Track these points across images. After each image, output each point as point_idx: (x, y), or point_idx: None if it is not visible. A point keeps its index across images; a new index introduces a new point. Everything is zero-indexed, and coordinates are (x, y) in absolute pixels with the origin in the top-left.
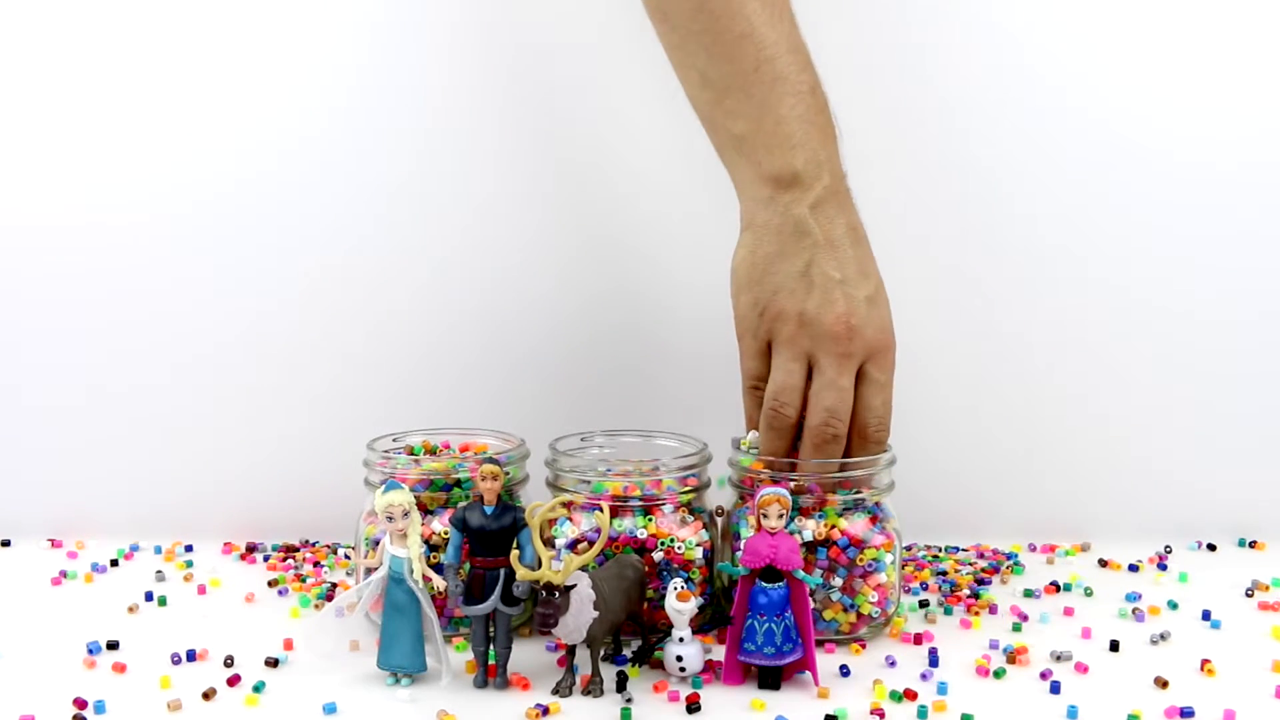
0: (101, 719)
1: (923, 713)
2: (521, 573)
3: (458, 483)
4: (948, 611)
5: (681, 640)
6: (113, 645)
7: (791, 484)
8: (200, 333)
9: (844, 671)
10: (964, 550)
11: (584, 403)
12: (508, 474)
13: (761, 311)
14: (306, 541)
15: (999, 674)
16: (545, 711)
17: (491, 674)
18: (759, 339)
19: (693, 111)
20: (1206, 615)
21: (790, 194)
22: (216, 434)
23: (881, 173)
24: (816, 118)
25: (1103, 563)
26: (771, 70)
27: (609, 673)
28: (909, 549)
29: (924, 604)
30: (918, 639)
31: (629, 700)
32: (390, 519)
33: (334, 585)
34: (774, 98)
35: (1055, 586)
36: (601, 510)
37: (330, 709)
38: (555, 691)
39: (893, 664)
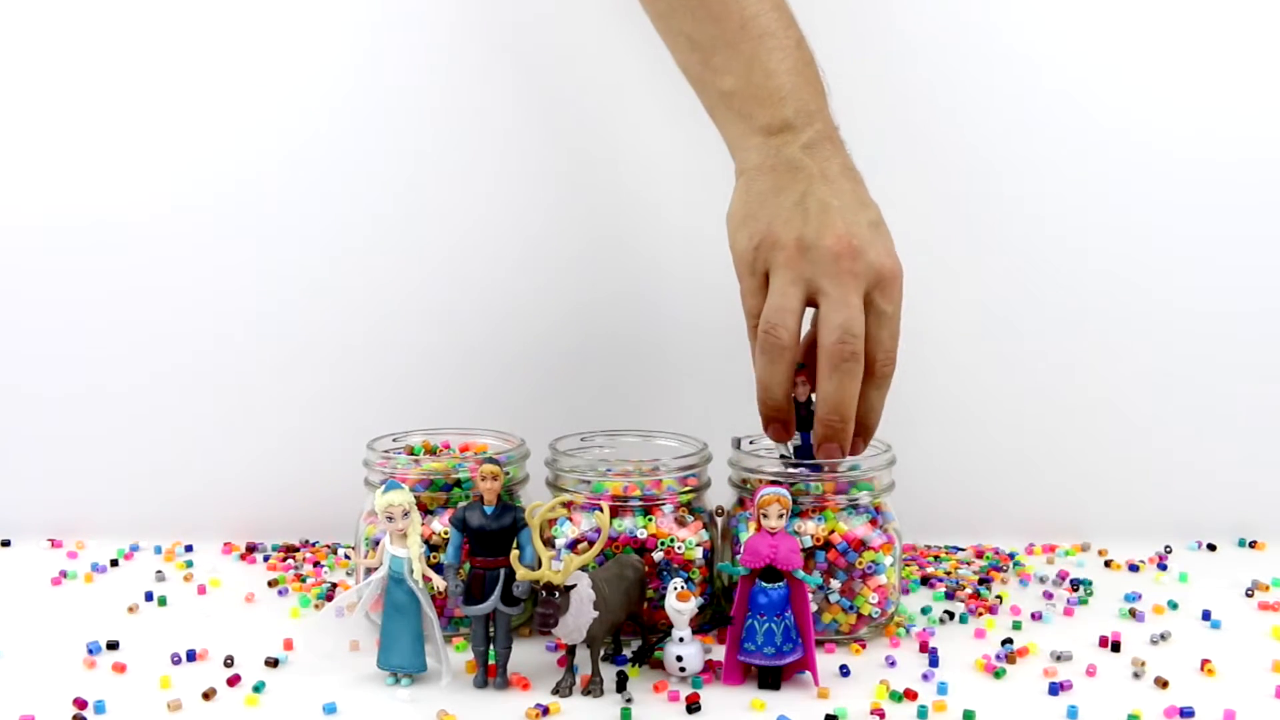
0: (101, 719)
1: (923, 713)
2: (521, 573)
3: (458, 483)
4: (963, 620)
5: (681, 640)
6: (113, 645)
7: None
8: (200, 332)
9: (844, 671)
10: (964, 550)
11: (584, 403)
12: (508, 474)
13: (757, 244)
14: (306, 541)
15: (999, 674)
16: (545, 711)
17: (491, 674)
18: (757, 274)
19: (690, 90)
20: (1206, 615)
21: (781, 137)
22: (217, 434)
23: (881, 171)
24: (805, 70)
25: (1105, 563)
26: (757, 26)
27: (609, 673)
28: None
29: (956, 611)
30: (918, 639)
31: (629, 700)
32: (390, 519)
33: (334, 585)
34: (762, 52)
35: (1056, 586)
36: (601, 510)
37: (330, 709)
38: (555, 691)
39: (893, 664)
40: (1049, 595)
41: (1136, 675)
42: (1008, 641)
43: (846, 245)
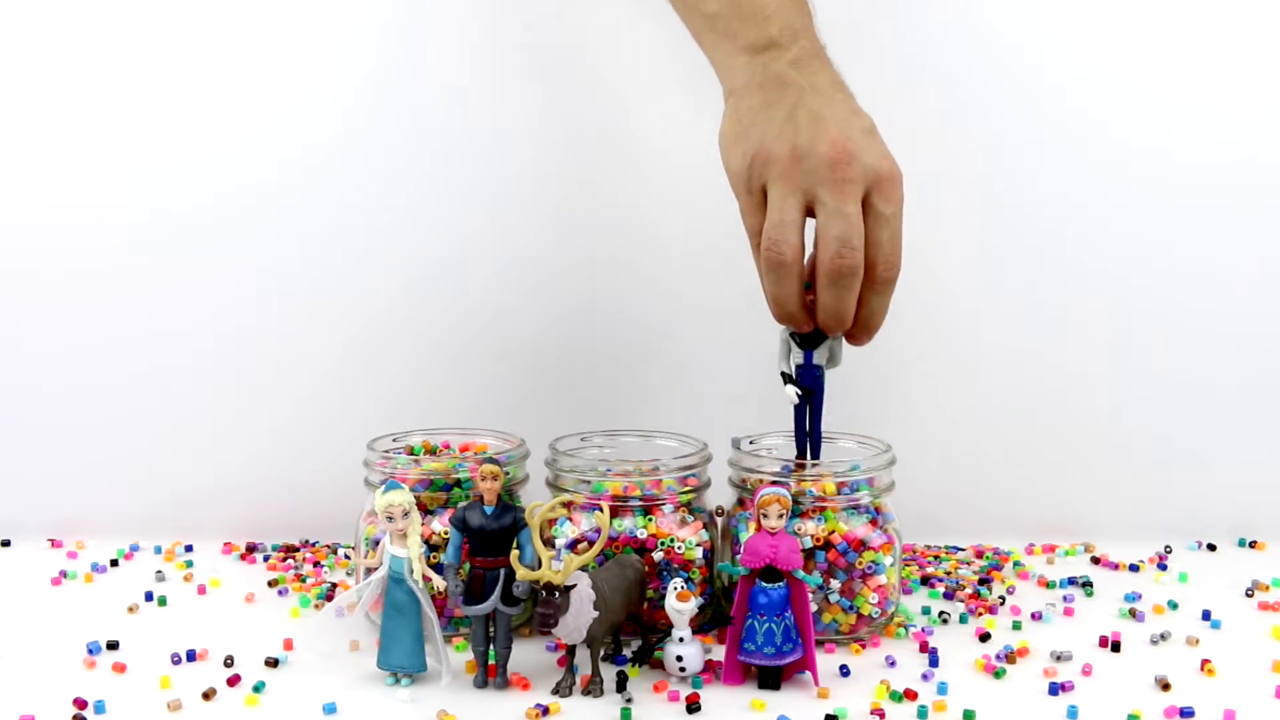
0: (101, 719)
1: (923, 713)
2: (521, 573)
3: (458, 483)
4: (963, 620)
5: (681, 640)
6: (113, 645)
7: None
8: (200, 332)
9: (844, 671)
10: (964, 550)
11: (584, 403)
12: (508, 474)
13: (750, 161)
14: (306, 541)
15: (999, 674)
16: (545, 711)
17: (491, 674)
18: (754, 192)
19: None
20: (1206, 615)
21: (768, 54)
22: (216, 434)
23: None
24: None
25: (1098, 560)
26: None
27: (609, 673)
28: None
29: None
30: (918, 639)
31: (629, 700)
32: (390, 519)
33: (334, 585)
34: None
35: (1055, 586)
36: (601, 510)
37: (330, 709)
38: (555, 691)
39: (893, 664)
40: (1013, 590)
41: (1155, 642)
42: (986, 636)
43: (841, 151)
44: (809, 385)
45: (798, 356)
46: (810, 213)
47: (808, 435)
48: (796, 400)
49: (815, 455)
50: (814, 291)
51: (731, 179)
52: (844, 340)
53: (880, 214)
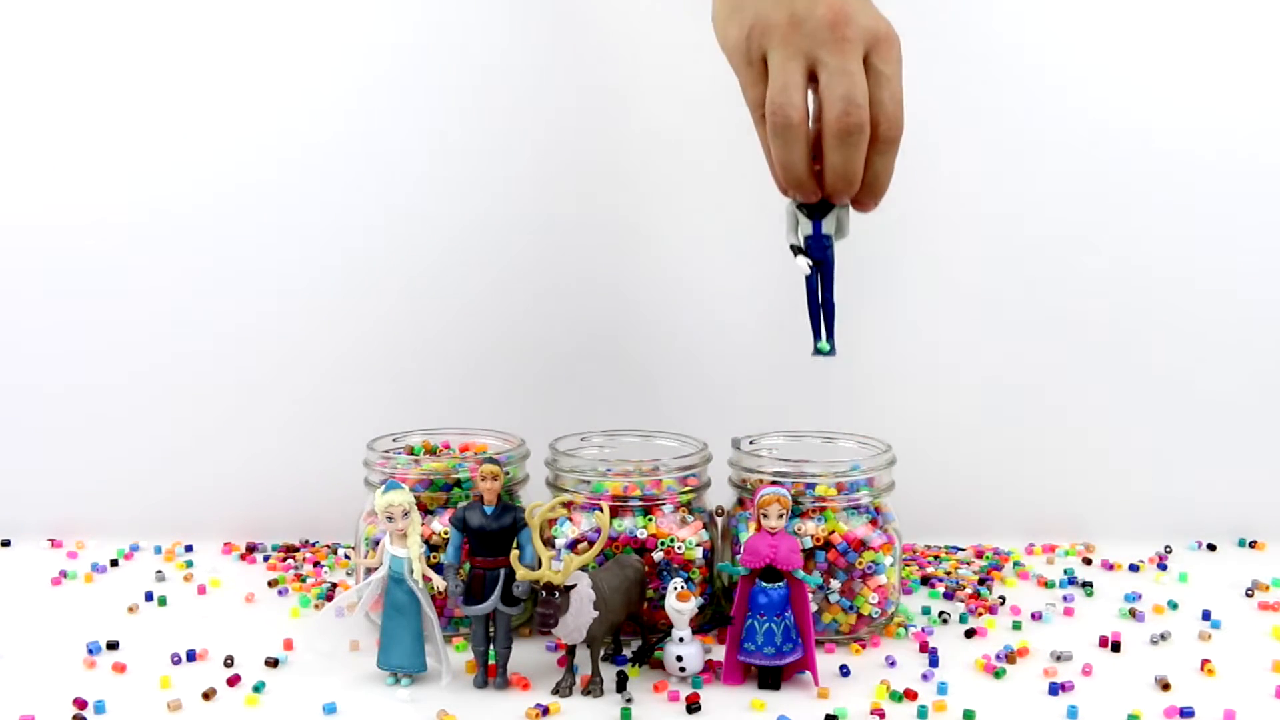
0: (101, 719)
1: (923, 713)
2: (521, 573)
3: (458, 483)
4: (963, 620)
5: (681, 640)
6: (113, 645)
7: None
8: (200, 332)
9: (844, 671)
10: (964, 550)
11: (584, 403)
12: (508, 474)
13: (749, 32)
14: (306, 541)
15: (999, 674)
16: (545, 711)
17: (491, 674)
18: (754, 63)
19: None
20: (1206, 615)
21: None
22: (217, 434)
23: None
24: None
25: (1090, 561)
26: None
27: (609, 673)
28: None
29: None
30: (918, 639)
31: (629, 700)
32: (390, 519)
33: (334, 585)
34: None
35: (1055, 586)
36: (601, 510)
37: (330, 709)
38: (555, 691)
39: (893, 664)
40: (991, 585)
41: (1155, 642)
42: (971, 633)
43: (839, 12)
44: (819, 256)
45: (806, 228)
46: (812, 77)
47: (820, 307)
48: (808, 271)
49: (829, 326)
50: (819, 160)
51: (729, 54)
52: (851, 209)
53: (881, 74)
